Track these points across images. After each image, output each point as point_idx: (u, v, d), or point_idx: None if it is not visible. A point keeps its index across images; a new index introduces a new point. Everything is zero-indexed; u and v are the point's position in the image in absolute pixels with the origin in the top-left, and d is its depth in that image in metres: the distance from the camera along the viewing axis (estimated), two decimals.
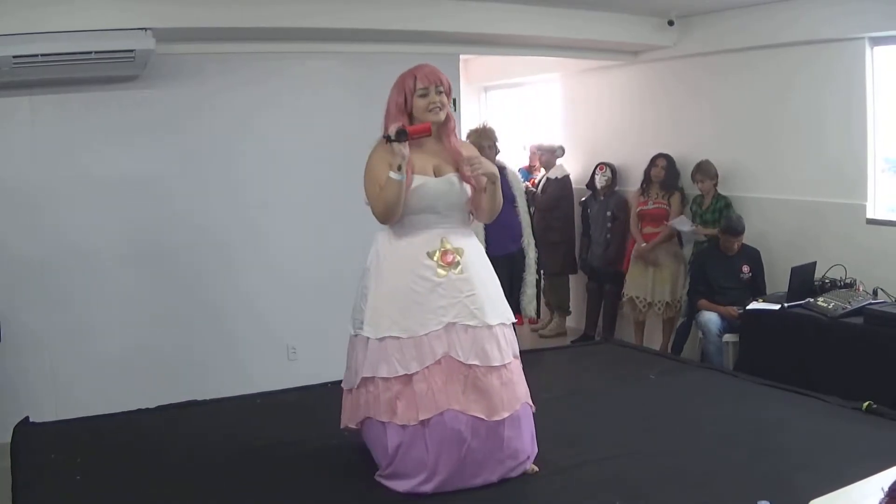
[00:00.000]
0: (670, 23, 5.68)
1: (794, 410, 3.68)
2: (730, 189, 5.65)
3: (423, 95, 2.97)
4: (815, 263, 4.89)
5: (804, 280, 4.79)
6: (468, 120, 6.26)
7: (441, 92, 2.98)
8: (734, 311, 5.04)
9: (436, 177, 2.99)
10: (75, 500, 2.94)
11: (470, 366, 2.89)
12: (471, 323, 2.91)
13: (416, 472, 2.88)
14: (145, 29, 4.22)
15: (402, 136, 2.86)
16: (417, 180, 2.94)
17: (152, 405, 3.95)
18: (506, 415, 2.89)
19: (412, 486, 2.88)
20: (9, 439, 3.55)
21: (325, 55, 5.19)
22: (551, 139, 7.01)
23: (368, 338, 2.95)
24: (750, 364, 4.64)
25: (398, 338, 2.89)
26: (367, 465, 3.18)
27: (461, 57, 5.77)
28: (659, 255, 5.85)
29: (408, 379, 2.87)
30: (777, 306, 4.69)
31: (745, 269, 5.24)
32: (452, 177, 3.01)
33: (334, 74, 5.30)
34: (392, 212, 2.90)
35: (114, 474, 3.14)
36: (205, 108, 4.90)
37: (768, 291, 5.13)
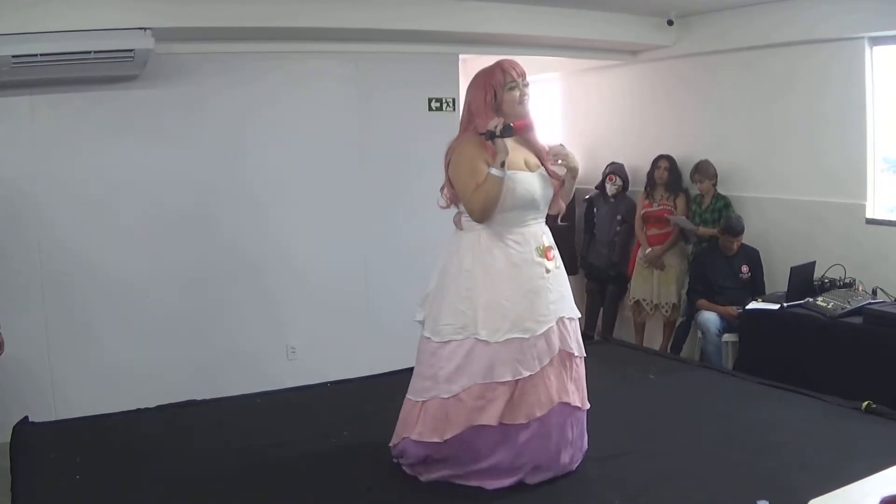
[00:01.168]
0: (670, 22, 5.69)
1: (794, 410, 3.68)
2: (729, 189, 5.65)
3: (513, 88, 2.92)
4: (814, 263, 4.90)
5: (803, 280, 4.79)
6: None
7: (526, 84, 2.95)
8: (733, 310, 5.05)
9: (531, 172, 2.97)
10: (75, 500, 2.94)
11: (574, 356, 2.98)
12: (572, 315, 3.01)
13: (521, 467, 2.90)
14: (144, 28, 4.22)
15: (507, 131, 2.83)
16: (519, 176, 2.90)
17: (152, 405, 3.95)
18: (588, 406, 3.04)
19: (511, 481, 2.89)
20: (8, 439, 3.55)
21: (325, 55, 5.19)
22: (551, 138, 7.00)
23: (487, 343, 2.83)
24: (749, 364, 4.65)
25: (521, 339, 2.84)
26: (367, 464, 3.18)
27: (460, 57, 5.77)
28: (664, 258, 5.85)
29: (526, 378, 2.85)
30: (776, 306, 4.69)
31: (745, 268, 5.25)
32: (543, 171, 3.00)
33: (334, 74, 5.30)
34: (492, 209, 2.84)
35: (113, 474, 3.14)
36: (204, 108, 4.89)
37: (767, 291, 5.13)
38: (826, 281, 4.79)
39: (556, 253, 3.02)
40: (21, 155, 4.49)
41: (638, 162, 6.13)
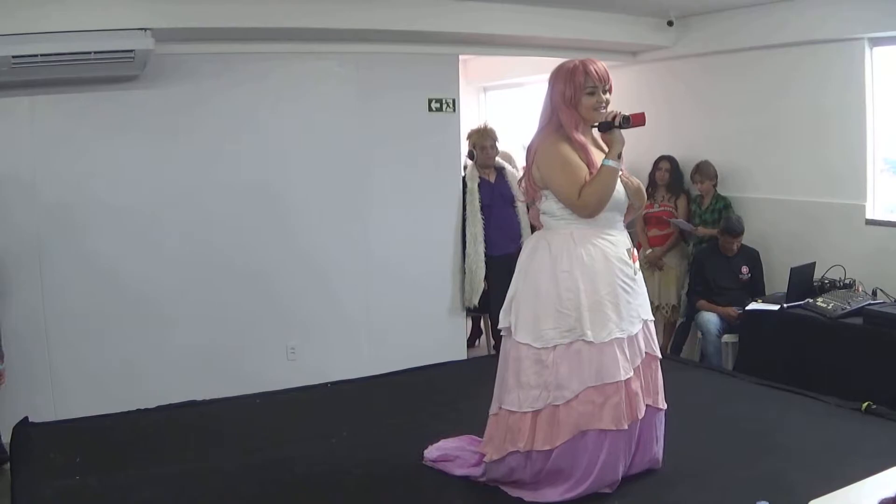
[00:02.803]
0: (669, 23, 5.68)
1: (793, 411, 3.68)
2: (729, 189, 5.65)
3: (592, 93, 2.87)
4: (814, 264, 4.90)
5: (803, 280, 4.79)
6: (467, 120, 6.27)
7: (607, 91, 2.91)
8: (733, 311, 5.04)
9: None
10: (74, 500, 2.95)
11: (655, 358, 2.99)
12: (650, 317, 3.03)
13: (609, 474, 2.86)
14: (145, 29, 4.21)
15: (626, 122, 2.83)
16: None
17: (151, 405, 3.95)
18: (665, 403, 3.01)
19: (597, 488, 2.86)
20: (8, 439, 3.55)
21: (325, 55, 5.18)
22: None
23: (592, 342, 2.78)
24: (749, 364, 4.65)
25: (621, 338, 2.83)
26: (367, 465, 3.18)
27: (460, 57, 5.77)
28: (665, 259, 5.85)
29: (629, 380, 2.84)
30: (776, 307, 4.69)
31: (745, 269, 5.25)
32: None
33: (334, 74, 5.29)
34: (606, 202, 2.83)
35: (113, 474, 3.14)
36: (204, 108, 4.89)
37: (767, 292, 5.13)
38: (826, 282, 4.79)
39: (636, 256, 3.01)
40: (21, 155, 4.49)
41: (637, 162, 6.10)
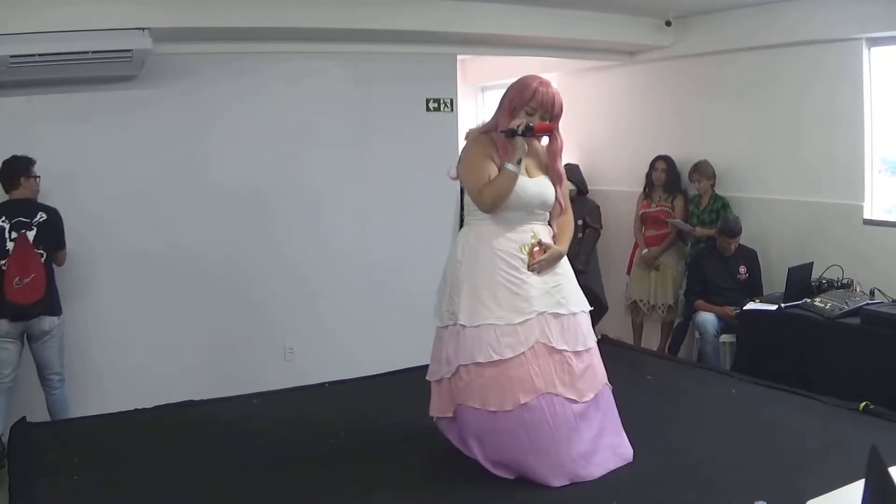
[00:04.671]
0: (668, 23, 5.69)
1: (791, 411, 3.68)
2: (727, 189, 5.66)
3: (530, 114, 3.06)
4: (812, 264, 4.90)
5: (801, 280, 4.80)
6: (465, 120, 6.26)
7: (547, 118, 3.08)
8: (731, 311, 5.05)
9: (529, 178, 3.12)
10: (73, 500, 2.94)
11: (560, 351, 3.07)
12: (559, 311, 3.10)
13: (519, 457, 2.98)
14: (142, 29, 4.22)
15: (528, 132, 3.00)
16: (518, 179, 3.06)
17: (149, 405, 3.95)
18: (591, 395, 3.09)
19: (520, 474, 2.99)
20: (6, 439, 3.55)
21: (323, 55, 5.19)
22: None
23: (464, 327, 3.04)
24: (747, 364, 4.65)
25: (494, 325, 3.01)
26: (365, 465, 3.18)
27: (458, 57, 5.77)
28: (661, 259, 5.85)
29: (504, 365, 2.99)
30: (774, 307, 4.69)
31: (742, 269, 5.25)
32: (543, 179, 3.17)
33: (332, 74, 5.30)
34: (501, 202, 3.02)
35: (111, 474, 3.14)
36: (202, 108, 4.89)
37: (765, 292, 5.13)
38: (824, 282, 4.80)
39: (545, 252, 3.12)
40: (19, 154, 4.48)
41: (636, 163, 6.12)
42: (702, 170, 5.59)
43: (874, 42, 4.84)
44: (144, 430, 3.66)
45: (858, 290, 4.64)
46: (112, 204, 4.70)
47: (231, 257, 5.01)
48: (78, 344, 4.66)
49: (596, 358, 3.20)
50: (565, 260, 3.21)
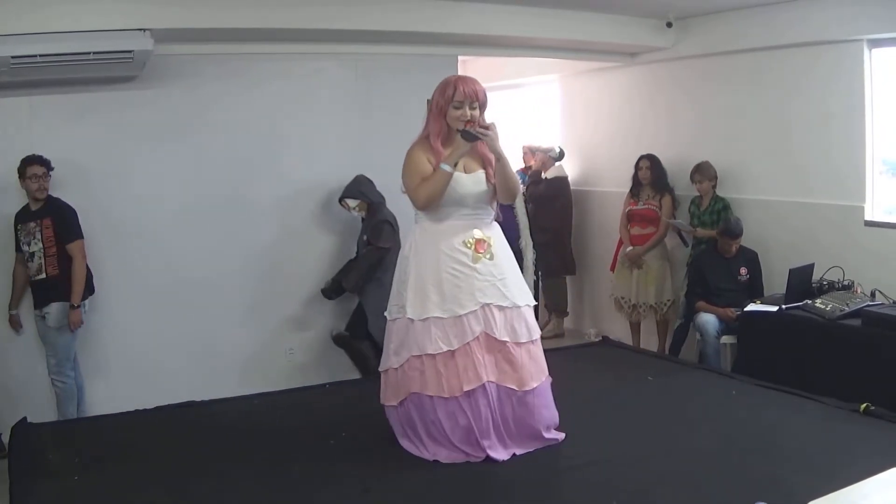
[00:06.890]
0: (668, 24, 5.69)
1: (792, 412, 3.68)
2: (728, 191, 5.65)
3: (458, 108, 3.24)
4: (812, 265, 4.90)
5: (802, 282, 4.79)
6: None
7: (475, 108, 3.24)
8: (732, 312, 5.04)
9: (466, 174, 3.29)
10: (73, 500, 2.95)
11: (503, 342, 3.23)
12: (503, 304, 3.26)
13: (461, 441, 3.18)
14: (144, 30, 4.22)
15: (466, 135, 3.18)
16: (455, 176, 3.23)
17: (150, 406, 3.95)
18: (535, 385, 3.26)
19: (460, 455, 3.19)
20: (7, 440, 3.55)
21: (324, 56, 5.19)
22: (548, 140, 7.01)
23: (412, 320, 3.21)
24: (748, 366, 4.65)
25: (441, 318, 3.19)
26: (365, 465, 3.19)
27: (459, 58, 5.77)
28: (645, 258, 5.85)
29: (451, 355, 3.17)
30: (775, 308, 4.69)
31: (743, 270, 5.24)
32: (480, 174, 3.33)
33: (332, 75, 5.30)
34: (434, 200, 3.21)
35: (112, 475, 3.14)
36: (203, 109, 4.89)
37: (766, 293, 5.12)
38: (825, 283, 4.79)
39: (489, 246, 3.29)
40: (19, 155, 4.47)
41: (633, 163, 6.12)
42: (703, 171, 5.59)
43: (875, 43, 4.84)
44: (145, 431, 3.67)
45: (859, 291, 4.63)
46: (112, 203, 4.70)
47: (231, 257, 5.01)
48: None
49: (539, 350, 3.36)
50: (513, 257, 3.41)
